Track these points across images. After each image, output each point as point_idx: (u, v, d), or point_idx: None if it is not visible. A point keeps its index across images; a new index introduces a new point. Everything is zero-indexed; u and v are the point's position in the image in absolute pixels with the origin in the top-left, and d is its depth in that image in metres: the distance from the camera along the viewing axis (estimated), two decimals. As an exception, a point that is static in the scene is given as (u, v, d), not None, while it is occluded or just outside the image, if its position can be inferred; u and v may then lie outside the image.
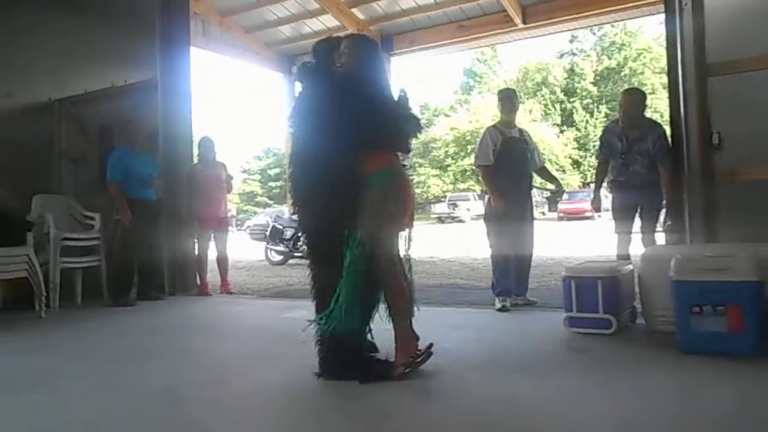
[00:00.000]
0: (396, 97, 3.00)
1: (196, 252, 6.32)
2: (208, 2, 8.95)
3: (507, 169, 4.68)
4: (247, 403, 2.66)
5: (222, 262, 6.46)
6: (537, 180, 5.09)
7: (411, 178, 3.11)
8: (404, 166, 3.03)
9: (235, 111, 73.90)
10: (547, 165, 5.23)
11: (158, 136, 6.18)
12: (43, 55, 6.53)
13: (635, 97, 4.54)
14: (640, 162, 4.32)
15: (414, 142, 3.07)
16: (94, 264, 5.84)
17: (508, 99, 4.91)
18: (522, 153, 4.78)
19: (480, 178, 5.05)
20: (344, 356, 2.84)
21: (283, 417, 2.49)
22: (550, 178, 5.17)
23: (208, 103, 51.02)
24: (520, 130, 4.93)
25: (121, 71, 6.44)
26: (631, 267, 3.93)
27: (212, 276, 6.49)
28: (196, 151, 6.61)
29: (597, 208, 5.10)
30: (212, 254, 6.41)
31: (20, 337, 4.35)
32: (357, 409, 2.54)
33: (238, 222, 29.60)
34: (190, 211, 6.23)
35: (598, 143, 4.78)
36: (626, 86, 33.23)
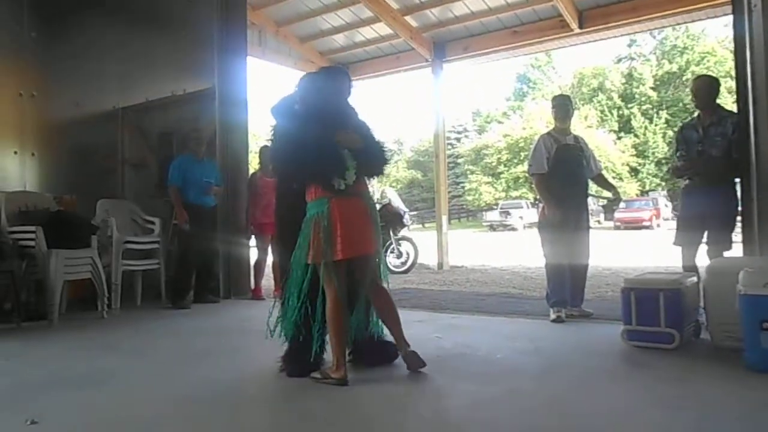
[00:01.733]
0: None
1: (254, 257, 6.45)
2: (264, 12, 9.15)
3: (562, 177, 4.57)
4: (293, 403, 2.68)
5: (277, 268, 6.55)
6: (593, 188, 4.95)
7: (359, 203, 3.10)
8: (341, 193, 3.00)
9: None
10: (604, 173, 5.08)
11: (216, 144, 6.34)
12: (109, 65, 6.82)
13: (707, 81, 4.36)
14: (718, 145, 4.06)
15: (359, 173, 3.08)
16: (153, 267, 6.03)
17: (563, 105, 4.81)
18: (577, 160, 4.67)
19: (534, 186, 4.94)
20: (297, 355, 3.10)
21: (336, 415, 2.49)
22: (608, 185, 5.02)
23: (264, 113, 52.00)
24: (576, 137, 4.82)
25: (180, 80, 6.65)
26: (695, 279, 3.76)
27: (266, 281, 6.60)
28: (256, 160, 6.74)
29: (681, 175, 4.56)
30: (268, 259, 6.51)
31: (83, 336, 4.53)
32: (402, 419, 2.52)
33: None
34: (249, 218, 6.36)
35: (673, 144, 4.56)
36: (688, 91, 32.19)
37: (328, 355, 3.09)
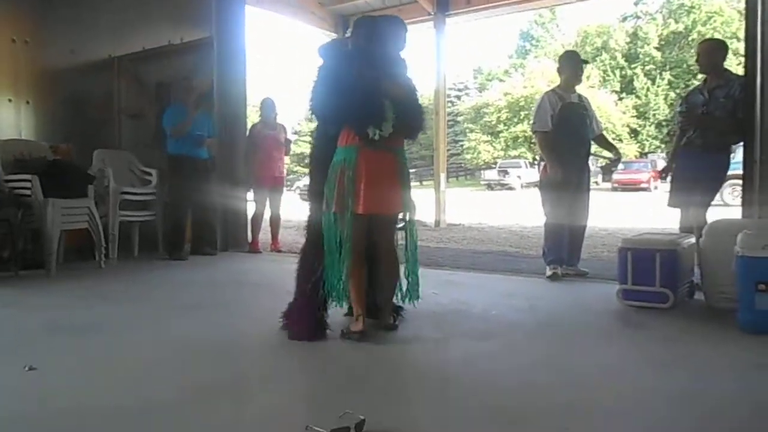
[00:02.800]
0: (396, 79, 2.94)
1: (252, 210, 6.44)
2: (263, -40, 8.88)
3: (565, 135, 4.51)
4: (292, 354, 2.72)
5: (275, 222, 6.56)
6: (594, 148, 4.90)
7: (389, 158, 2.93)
8: (372, 144, 2.83)
9: (287, 72, 74.06)
10: (605, 133, 5.01)
11: (213, 95, 6.25)
12: (104, 12, 6.64)
13: (714, 44, 4.32)
14: (723, 107, 4.02)
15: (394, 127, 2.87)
16: (150, 218, 6.02)
17: (577, 64, 4.71)
18: (581, 119, 4.61)
19: (536, 144, 4.88)
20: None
21: (328, 366, 2.52)
22: (609, 145, 4.96)
23: (261, 64, 51.25)
24: (580, 96, 4.74)
25: (177, 29, 6.51)
26: (692, 240, 3.77)
27: (263, 234, 6.60)
28: (257, 112, 6.66)
29: (664, 178, 4.83)
30: (266, 213, 6.51)
31: (81, 285, 4.55)
32: (400, 370, 2.55)
33: (288, 182, 29.94)
34: (248, 170, 6.32)
35: (678, 109, 4.50)
36: (692, 52, 31.69)
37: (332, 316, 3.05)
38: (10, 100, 6.17)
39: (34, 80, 6.31)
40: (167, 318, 3.50)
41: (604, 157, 5.06)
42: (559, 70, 4.76)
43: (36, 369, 2.45)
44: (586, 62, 4.77)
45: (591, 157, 4.80)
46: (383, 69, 2.90)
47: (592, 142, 4.79)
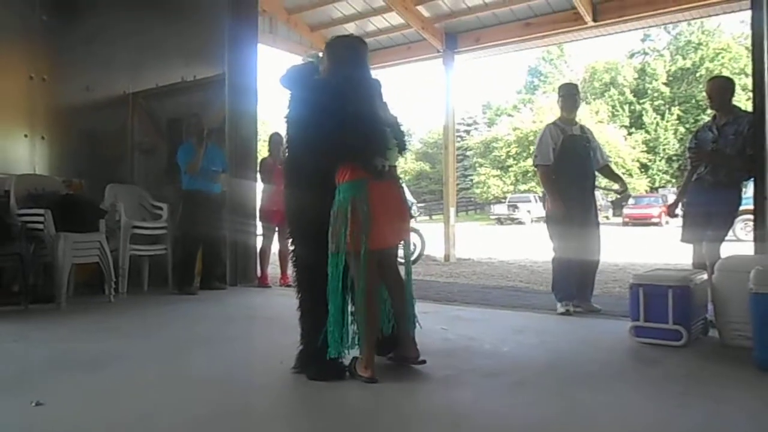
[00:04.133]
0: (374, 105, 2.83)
1: (260, 245, 6.46)
2: (275, 0, 9.10)
3: (568, 169, 4.51)
4: (299, 392, 2.69)
5: (283, 256, 6.55)
6: (602, 182, 4.89)
7: (397, 188, 2.86)
8: (381, 176, 2.73)
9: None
10: (611, 164, 5.00)
11: (225, 130, 6.33)
12: (119, 50, 6.80)
13: (723, 82, 4.35)
14: (732, 144, 4.03)
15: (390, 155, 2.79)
16: (160, 252, 6.04)
17: (570, 95, 4.73)
18: (584, 151, 4.60)
19: (539, 177, 4.88)
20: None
21: (336, 403, 2.48)
22: (614, 177, 4.92)
23: (274, 101, 51.96)
24: (582, 127, 4.74)
25: (190, 67, 6.63)
26: (704, 276, 3.72)
27: (272, 269, 6.60)
28: (266, 147, 6.73)
29: (672, 213, 4.83)
30: (274, 248, 6.52)
31: (90, 319, 4.54)
32: (409, 409, 2.51)
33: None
34: (256, 205, 6.37)
35: (688, 145, 4.51)
36: (701, 87, 31.80)
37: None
38: (26, 136, 6.29)
39: (49, 116, 6.45)
40: (176, 353, 3.47)
41: (613, 191, 5.04)
42: (558, 103, 4.79)
43: (43, 404, 2.44)
44: (562, 95, 4.76)
45: (600, 191, 4.79)
46: (371, 95, 2.81)
47: (598, 174, 4.78)
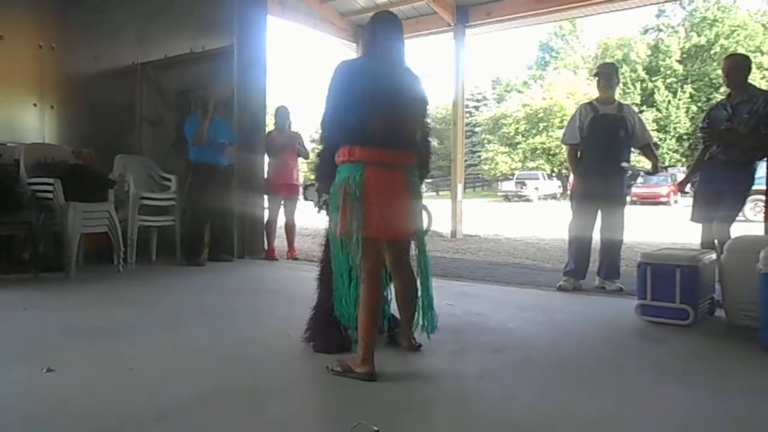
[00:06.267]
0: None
1: (266, 217, 6.47)
2: (285, -30, 8.97)
3: (591, 147, 4.58)
4: (302, 363, 2.72)
5: (289, 229, 6.60)
6: (640, 160, 4.87)
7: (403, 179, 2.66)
8: (385, 164, 2.57)
9: (307, 81, 74.55)
10: (651, 146, 4.89)
11: (233, 103, 6.30)
12: (128, 20, 6.76)
13: (740, 60, 4.27)
14: (746, 123, 3.96)
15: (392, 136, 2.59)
16: (168, 223, 6.06)
17: (606, 74, 4.73)
18: (612, 131, 4.55)
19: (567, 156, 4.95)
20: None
21: (339, 381, 2.50)
22: (650, 156, 4.84)
23: (281, 72, 51.68)
24: (620, 106, 4.70)
25: (199, 38, 6.58)
26: (713, 256, 3.71)
27: (279, 241, 6.63)
28: (272, 120, 6.71)
29: (682, 190, 4.86)
30: (280, 220, 6.54)
31: (99, 288, 4.60)
32: (416, 384, 2.53)
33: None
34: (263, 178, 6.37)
35: (701, 124, 4.46)
36: (715, 65, 31.28)
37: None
38: (35, 105, 6.29)
39: (58, 85, 6.44)
40: (184, 323, 3.51)
41: (638, 169, 5.00)
42: (596, 82, 4.79)
43: (53, 371, 2.48)
44: (597, 74, 4.75)
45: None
46: (387, 75, 2.68)
47: (639, 152, 4.82)
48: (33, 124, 6.25)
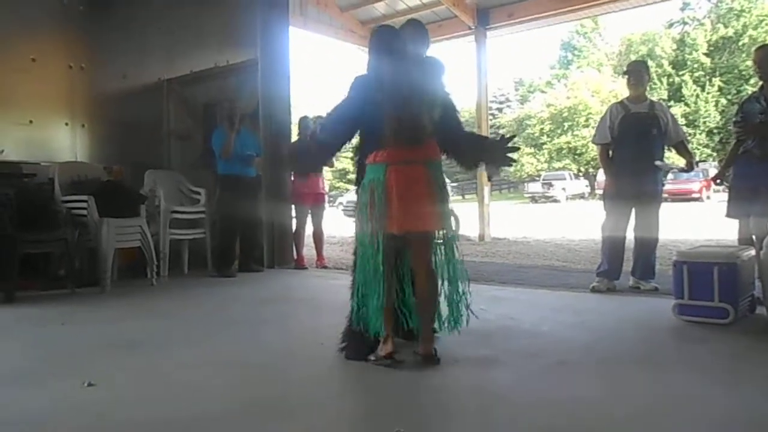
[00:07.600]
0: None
1: (294, 227, 6.52)
2: (305, -19, 9.07)
3: (623, 147, 4.53)
4: (337, 372, 2.72)
5: (317, 237, 6.63)
6: (673, 158, 4.79)
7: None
8: (406, 162, 2.69)
9: (330, 90, 75.13)
10: (685, 143, 4.81)
11: (259, 115, 6.37)
12: (154, 37, 6.90)
13: None
14: None
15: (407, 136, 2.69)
16: (199, 236, 6.15)
17: (635, 71, 4.66)
18: (644, 129, 4.48)
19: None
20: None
21: (375, 386, 2.50)
22: (685, 154, 4.74)
23: (305, 82, 52.12)
24: (652, 104, 4.64)
25: (223, 52, 6.69)
26: (751, 253, 3.61)
27: (308, 250, 6.67)
28: (296, 130, 6.77)
29: (716, 183, 4.82)
30: (308, 229, 6.58)
31: (134, 302, 4.68)
32: (449, 390, 2.51)
33: (331, 198, 30.31)
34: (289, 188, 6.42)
35: (734, 118, 4.36)
36: (744, 56, 30.57)
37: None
38: (66, 124, 6.45)
39: (89, 104, 6.59)
40: (217, 334, 3.55)
41: (669, 166, 4.92)
42: (626, 80, 4.73)
43: (94, 385, 2.51)
44: (626, 72, 4.70)
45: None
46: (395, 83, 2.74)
47: (673, 150, 4.75)
48: (65, 142, 6.40)
